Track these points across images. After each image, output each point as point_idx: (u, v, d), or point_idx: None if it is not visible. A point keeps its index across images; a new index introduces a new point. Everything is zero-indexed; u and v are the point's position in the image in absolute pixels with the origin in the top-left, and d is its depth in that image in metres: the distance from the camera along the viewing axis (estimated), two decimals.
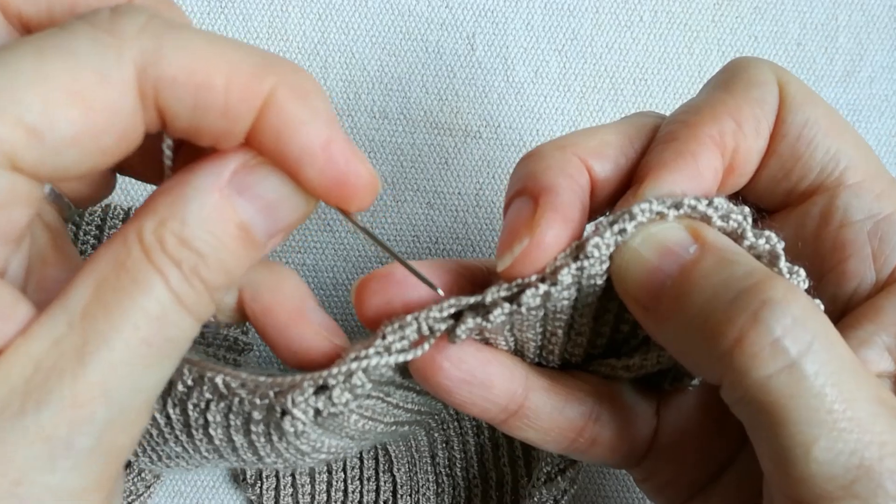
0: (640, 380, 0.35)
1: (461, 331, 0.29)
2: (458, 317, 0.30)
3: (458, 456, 0.48)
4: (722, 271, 0.27)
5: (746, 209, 0.30)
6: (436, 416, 0.46)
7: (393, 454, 0.48)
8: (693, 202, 0.29)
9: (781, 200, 0.34)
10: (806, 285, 0.29)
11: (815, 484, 0.26)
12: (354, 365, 0.29)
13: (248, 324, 0.33)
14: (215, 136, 0.26)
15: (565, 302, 0.30)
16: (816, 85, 0.57)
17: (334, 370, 0.30)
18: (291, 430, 0.30)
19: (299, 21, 0.54)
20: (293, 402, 0.30)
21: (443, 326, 0.30)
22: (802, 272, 0.29)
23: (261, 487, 0.47)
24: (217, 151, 0.27)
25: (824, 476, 0.25)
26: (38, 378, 0.24)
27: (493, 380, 0.31)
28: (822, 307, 0.29)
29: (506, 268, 0.29)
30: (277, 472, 0.48)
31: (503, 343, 0.32)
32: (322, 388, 0.30)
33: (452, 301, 0.30)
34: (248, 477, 0.48)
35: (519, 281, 0.29)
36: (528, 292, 0.29)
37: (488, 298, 0.29)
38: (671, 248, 0.28)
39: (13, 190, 0.24)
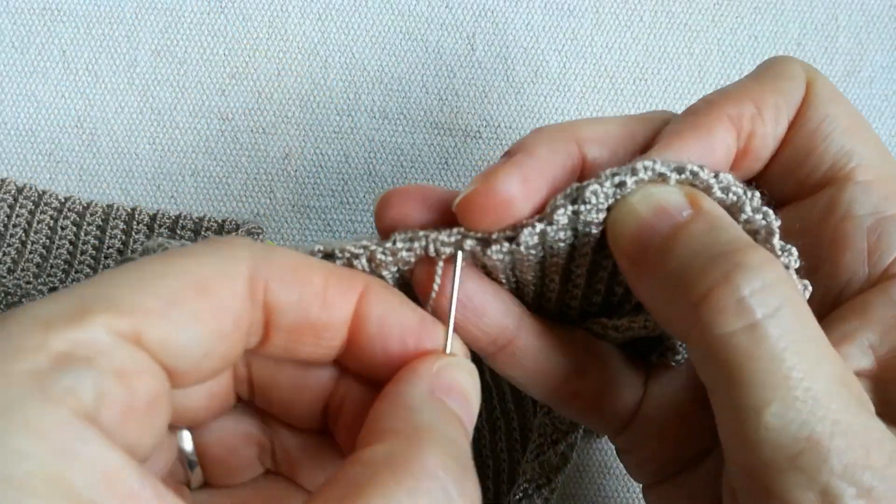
0: (630, 349, 0.36)
1: (464, 251, 0.31)
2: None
3: None
4: (708, 235, 0.28)
5: (752, 192, 0.30)
6: None
7: None
8: (696, 169, 0.29)
9: (793, 191, 0.34)
10: (797, 265, 0.29)
11: (763, 451, 0.26)
12: (360, 251, 0.31)
13: None
14: (317, 333, 0.28)
15: (561, 244, 0.31)
16: None
17: (344, 245, 0.31)
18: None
19: (299, 21, 0.54)
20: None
21: (448, 250, 0.31)
22: (795, 251, 0.29)
23: None
24: (396, 375, 0.29)
25: (772, 443, 0.26)
26: None
27: (486, 308, 0.32)
28: (810, 290, 0.29)
29: (455, 205, 0.30)
30: None
31: (504, 282, 0.33)
32: (328, 257, 0.31)
33: (462, 229, 0.31)
34: None
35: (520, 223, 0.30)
36: (526, 231, 0.30)
37: (494, 235, 0.30)
38: (666, 208, 0.29)
39: (139, 364, 0.24)
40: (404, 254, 0.31)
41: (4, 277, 0.48)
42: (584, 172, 0.32)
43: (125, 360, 0.24)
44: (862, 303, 0.31)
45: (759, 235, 0.30)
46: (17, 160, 0.52)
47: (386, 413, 0.27)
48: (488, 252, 0.30)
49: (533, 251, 0.31)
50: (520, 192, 0.30)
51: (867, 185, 0.32)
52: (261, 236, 0.49)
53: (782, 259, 0.29)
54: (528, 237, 0.30)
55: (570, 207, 0.29)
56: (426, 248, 0.31)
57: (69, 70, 0.53)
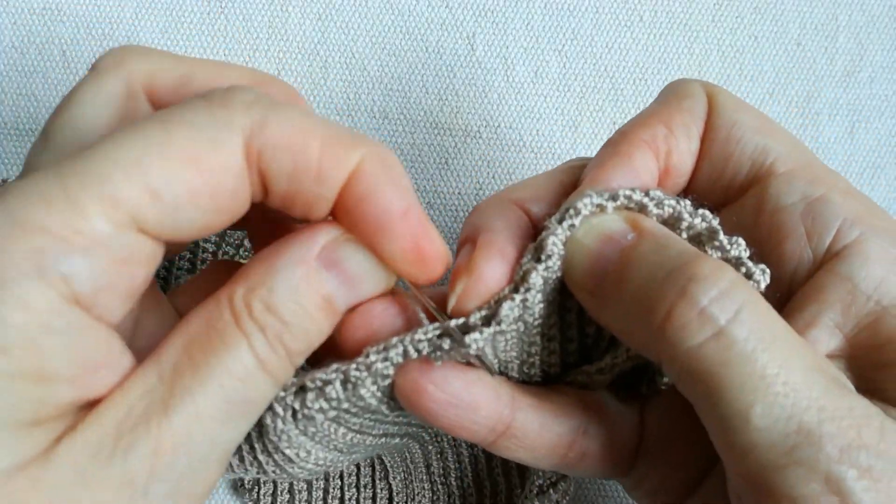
0: (620, 388, 0.36)
1: (443, 350, 0.30)
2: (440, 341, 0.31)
3: (453, 466, 0.48)
4: (656, 253, 0.29)
5: (681, 200, 0.31)
6: (429, 430, 0.46)
7: (388, 464, 0.48)
8: (628, 192, 0.31)
9: (721, 198, 0.35)
10: (748, 253, 0.30)
11: (758, 454, 0.26)
12: (332, 375, 0.30)
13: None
14: (308, 201, 0.28)
15: (540, 306, 0.31)
16: (816, 85, 0.57)
17: (315, 374, 0.30)
18: (271, 424, 0.31)
19: (299, 21, 0.54)
20: (276, 397, 0.31)
21: (427, 348, 0.30)
22: (741, 241, 0.30)
23: (258, 493, 0.47)
24: (308, 226, 0.29)
25: (765, 444, 0.26)
26: (127, 424, 0.26)
27: (479, 401, 0.31)
28: (769, 273, 0.30)
29: (453, 307, 0.31)
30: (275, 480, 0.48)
31: (488, 366, 0.32)
32: (302, 390, 0.31)
33: (436, 325, 0.30)
34: (245, 482, 0.48)
35: (496, 298, 0.31)
36: (506, 305, 0.30)
37: (470, 320, 0.30)
38: (611, 235, 0.30)
39: (138, 250, 0.26)
40: (380, 365, 0.30)
41: None
42: (534, 227, 0.34)
43: (124, 249, 0.25)
44: (815, 286, 0.32)
45: (703, 237, 0.31)
46: (17, 160, 0.52)
47: (255, 259, 0.29)
48: (468, 341, 0.30)
49: (514, 325, 0.31)
50: (502, 267, 0.31)
51: (789, 175, 0.33)
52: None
53: (732, 251, 0.30)
54: (510, 311, 0.30)
55: (539, 267, 0.30)
56: (405, 353, 0.30)
57: (69, 70, 0.53)
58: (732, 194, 0.35)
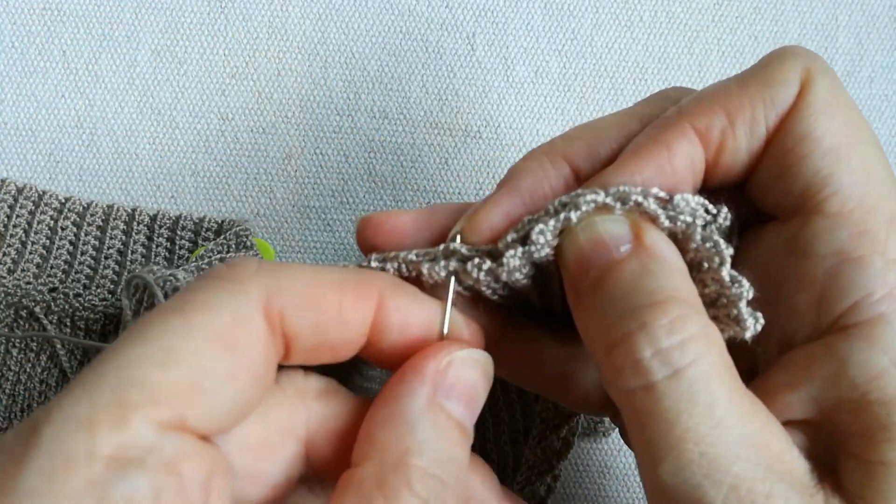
0: None
1: (427, 270, 0.31)
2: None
3: None
4: (636, 280, 0.28)
5: (719, 209, 0.30)
6: None
7: None
8: (640, 199, 0.29)
9: (774, 208, 0.32)
10: (749, 296, 0.28)
11: (661, 497, 0.27)
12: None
13: None
14: (337, 348, 0.28)
15: (522, 279, 0.31)
16: None
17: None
18: None
19: (299, 21, 0.54)
20: None
21: (424, 267, 0.31)
22: (746, 283, 0.28)
23: None
24: (401, 369, 0.29)
25: (669, 494, 0.26)
26: None
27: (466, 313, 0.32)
28: (762, 322, 0.28)
29: (456, 231, 0.32)
30: None
31: (489, 291, 0.33)
32: None
33: (430, 250, 0.32)
34: None
35: (471, 249, 0.31)
36: (476, 272, 0.30)
37: (474, 253, 0.31)
38: (605, 241, 0.29)
39: (185, 450, 0.24)
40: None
41: (4, 277, 0.48)
42: (579, 184, 0.32)
43: (174, 451, 0.24)
44: (806, 355, 0.29)
45: (711, 263, 0.29)
46: (17, 160, 0.52)
47: (381, 425, 0.28)
48: (468, 268, 0.31)
49: (497, 283, 0.31)
50: (503, 228, 0.31)
51: (837, 219, 0.29)
52: (250, 237, 0.49)
53: (734, 289, 0.28)
54: (480, 273, 0.30)
55: (519, 250, 0.30)
56: (398, 269, 0.32)
57: (69, 70, 0.53)
58: (782, 211, 0.31)
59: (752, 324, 0.28)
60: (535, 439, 0.44)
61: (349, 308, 0.28)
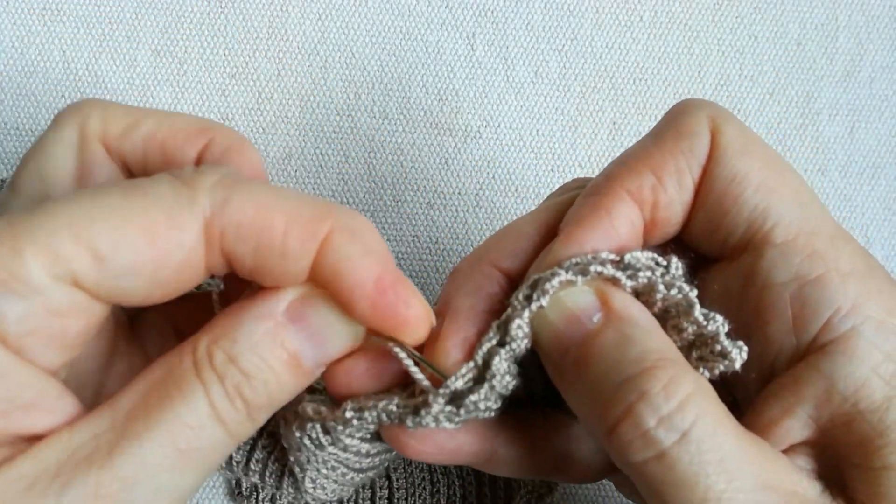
0: None
1: (412, 423, 0.31)
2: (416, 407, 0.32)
3: None
4: (617, 350, 0.28)
5: (668, 259, 0.31)
6: None
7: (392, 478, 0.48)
8: (598, 268, 0.30)
9: (717, 251, 0.33)
10: (726, 329, 0.29)
11: None
12: (310, 424, 0.33)
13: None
14: (277, 277, 0.28)
15: (512, 381, 0.31)
16: (816, 85, 0.57)
17: (304, 408, 0.33)
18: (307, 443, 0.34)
19: (299, 21, 0.54)
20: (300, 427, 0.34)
21: (396, 418, 0.31)
22: (719, 318, 0.29)
23: (256, 499, 0.47)
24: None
25: None
26: (69, 464, 0.26)
27: (461, 448, 0.33)
28: (746, 350, 0.29)
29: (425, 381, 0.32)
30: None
31: None
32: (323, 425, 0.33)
33: (408, 403, 0.31)
34: (243, 489, 0.48)
35: (455, 383, 0.31)
36: (472, 397, 0.30)
37: (433, 407, 0.31)
38: (577, 315, 0.30)
39: (74, 304, 0.26)
40: (355, 423, 0.32)
41: None
42: (511, 281, 0.33)
43: (58, 301, 0.26)
44: (793, 378, 0.30)
45: (680, 307, 0.30)
46: (17, 160, 0.52)
47: (220, 319, 0.29)
48: (466, 408, 0.31)
49: (489, 400, 0.31)
50: (466, 351, 0.31)
51: (786, 248, 0.31)
52: None
53: (709, 326, 0.29)
54: (477, 397, 0.30)
55: (502, 352, 0.30)
56: (378, 419, 0.32)
57: (69, 70, 0.53)
58: (727, 252, 0.33)
59: (738, 353, 0.29)
60: (523, 499, 0.44)
61: (294, 239, 0.28)
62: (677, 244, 0.34)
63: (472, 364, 0.30)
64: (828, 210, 0.32)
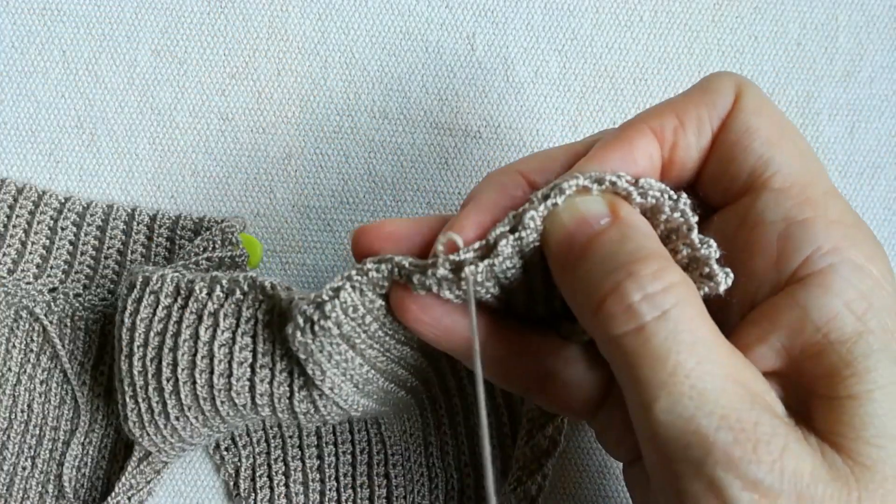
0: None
1: (417, 282, 0.34)
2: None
3: (451, 442, 0.48)
4: (617, 244, 0.31)
5: (678, 194, 0.33)
6: (427, 395, 0.48)
7: (387, 441, 0.48)
8: (613, 178, 0.32)
9: (721, 198, 0.36)
10: (717, 255, 0.32)
11: (658, 443, 0.29)
12: (341, 283, 0.35)
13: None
14: None
15: (511, 270, 0.34)
16: (816, 85, 0.57)
17: (326, 286, 0.35)
18: (290, 334, 0.36)
19: (299, 21, 0.54)
20: (297, 306, 0.36)
21: (408, 273, 0.34)
22: (713, 243, 0.32)
23: (255, 500, 0.48)
24: None
25: (664, 436, 0.28)
26: None
27: (455, 327, 0.35)
28: (732, 277, 0.32)
29: (437, 247, 0.34)
30: (271, 482, 0.48)
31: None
32: (320, 304, 0.35)
33: (420, 262, 0.34)
34: (241, 490, 0.48)
35: (466, 254, 0.33)
36: (468, 269, 0.32)
37: (438, 269, 0.33)
38: (587, 218, 0.32)
39: None
40: (374, 274, 0.34)
41: (4, 277, 0.48)
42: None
43: None
44: (770, 307, 0.32)
45: (680, 231, 0.33)
46: (17, 160, 0.52)
47: None
48: (431, 280, 0.33)
49: (488, 282, 0.34)
50: (479, 233, 0.34)
51: (781, 192, 0.33)
52: (235, 233, 0.48)
53: (703, 250, 0.32)
54: (476, 273, 0.33)
55: (511, 238, 0.32)
56: (392, 271, 0.34)
57: (69, 70, 0.53)
58: (729, 198, 0.35)
59: (724, 278, 0.32)
60: (522, 439, 0.45)
61: None
62: (690, 193, 0.36)
63: (482, 243, 0.33)
64: (826, 171, 0.35)
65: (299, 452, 0.49)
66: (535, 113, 0.55)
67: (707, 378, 0.28)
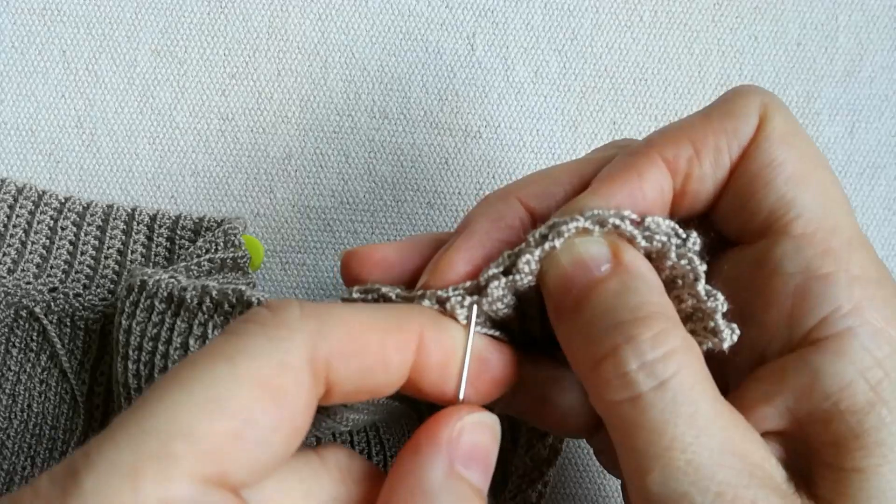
0: None
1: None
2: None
3: None
4: (617, 297, 0.29)
5: (688, 233, 0.31)
6: (425, 403, 0.47)
7: (386, 444, 0.48)
8: (616, 221, 0.30)
9: (738, 233, 0.34)
10: (724, 309, 0.30)
11: None
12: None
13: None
14: (376, 391, 0.28)
15: (503, 309, 0.32)
16: (816, 85, 0.57)
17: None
18: None
19: (299, 21, 0.54)
20: None
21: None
22: (720, 297, 0.30)
23: None
24: (414, 439, 0.29)
25: None
26: None
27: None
28: (738, 333, 0.30)
29: (423, 282, 0.33)
30: None
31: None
32: None
33: (407, 294, 0.33)
34: None
35: (448, 293, 0.32)
36: (460, 312, 0.31)
37: (424, 301, 0.32)
38: (586, 261, 0.30)
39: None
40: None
41: (4, 277, 0.48)
42: (535, 222, 0.34)
43: None
44: (780, 368, 0.31)
45: (686, 279, 0.30)
46: (17, 160, 0.52)
47: (402, 495, 0.28)
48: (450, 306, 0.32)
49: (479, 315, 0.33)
50: (468, 269, 0.32)
51: (802, 240, 0.31)
52: (238, 235, 0.48)
53: (709, 303, 0.30)
54: (465, 310, 0.31)
55: (503, 279, 0.31)
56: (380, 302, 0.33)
57: (69, 70, 0.53)
58: (747, 235, 0.33)
59: (729, 334, 0.30)
60: (522, 448, 0.44)
61: (392, 351, 0.28)
62: (703, 223, 0.34)
63: (473, 283, 0.32)
64: (853, 214, 0.32)
65: None
66: (535, 113, 0.55)
67: (704, 452, 0.27)
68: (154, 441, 0.23)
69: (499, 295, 0.31)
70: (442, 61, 0.55)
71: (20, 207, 0.50)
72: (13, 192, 0.50)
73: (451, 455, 0.29)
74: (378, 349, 0.27)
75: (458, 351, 0.30)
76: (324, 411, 0.35)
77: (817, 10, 0.57)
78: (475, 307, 0.31)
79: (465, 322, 0.31)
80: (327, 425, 0.40)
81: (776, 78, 0.56)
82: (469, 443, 0.29)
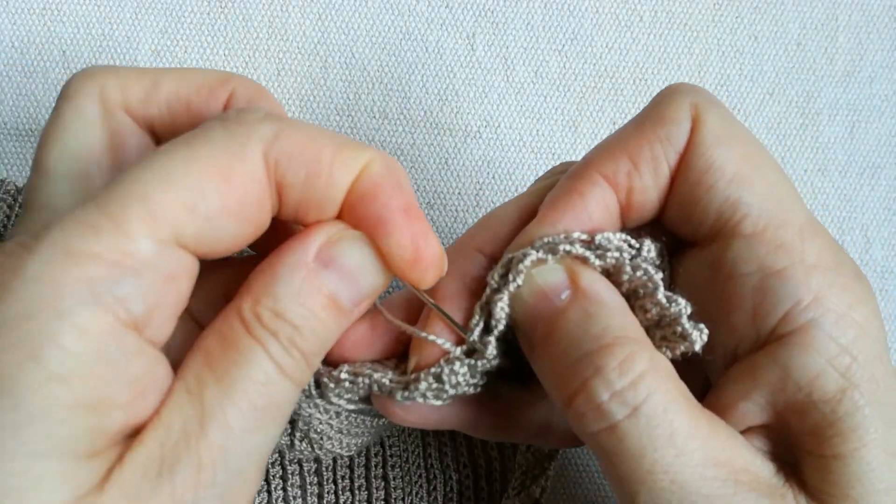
0: None
1: (401, 398, 0.33)
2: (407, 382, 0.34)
3: (448, 444, 0.48)
4: (579, 327, 0.30)
5: (640, 242, 0.32)
6: None
7: (385, 443, 0.48)
8: (566, 247, 0.31)
9: (691, 237, 0.34)
10: (689, 311, 0.30)
11: None
12: (316, 405, 0.35)
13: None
14: (319, 205, 0.29)
15: (493, 362, 0.33)
16: (816, 85, 0.57)
17: (307, 387, 0.35)
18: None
19: (299, 21, 0.54)
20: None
21: (386, 390, 0.33)
22: (682, 301, 0.30)
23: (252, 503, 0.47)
24: (304, 229, 0.30)
25: None
26: (168, 444, 0.26)
27: (445, 418, 0.35)
28: (707, 332, 0.30)
29: (411, 370, 0.33)
30: (269, 485, 0.48)
31: None
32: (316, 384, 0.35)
33: (400, 379, 0.33)
34: None
35: (441, 367, 0.33)
36: (454, 373, 0.32)
37: (420, 384, 0.33)
38: (546, 293, 0.31)
39: (180, 265, 0.27)
40: (347, 384, 0.34)
41: None
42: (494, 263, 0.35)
43: (169, 266, 0.26)
44: (751, 366, 0.31)
45: (646, 289, 0.31)
46: (17, 160, 0.52)
47: (256, 273, 0.30)
48: (414, 395, 0.33)
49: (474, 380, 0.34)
50: (454, 340, 0.33)
51: (753, 239, 0.31)
52: None
53: (672, 308, 0.30)
54: (462, 377, 0.33)
55: (492, 336, 0.32)
56: (370, 387, 0.34)
57: (69, 70, 0.53)
58: (699, 238, 0.33)
59: (698, 336, 0.30)
60: (523, 445, 0.45)
61: (337, 168, 0.29)
62: (657, 227, 0.34)
63: (462, 348, 0.33)
64: (803, 202, 0.32)
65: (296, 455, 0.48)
66: (535, 113, 0.55)
67: (687, 469, 0.28)
68: (114, 204, 0.26)
69: (493, 353, 0.32)
70: (442, 61, 0.55)
71: (20, 207, 0.50)
72: (13, 191, 0.50)
73: (318, 252, 0.30)
74: (327, 161, 0.29)
75: (397, 202, 0.30)
76: (315, 407, 0.36)
77: (817, 10, 0.57)
78: (479, 373, 0.32)
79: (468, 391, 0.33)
80: (321, 448, 0.40)
81: (776, 78, 0.56)
82: (340, 252, 0.30)
